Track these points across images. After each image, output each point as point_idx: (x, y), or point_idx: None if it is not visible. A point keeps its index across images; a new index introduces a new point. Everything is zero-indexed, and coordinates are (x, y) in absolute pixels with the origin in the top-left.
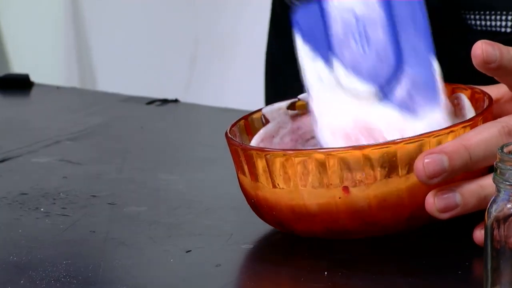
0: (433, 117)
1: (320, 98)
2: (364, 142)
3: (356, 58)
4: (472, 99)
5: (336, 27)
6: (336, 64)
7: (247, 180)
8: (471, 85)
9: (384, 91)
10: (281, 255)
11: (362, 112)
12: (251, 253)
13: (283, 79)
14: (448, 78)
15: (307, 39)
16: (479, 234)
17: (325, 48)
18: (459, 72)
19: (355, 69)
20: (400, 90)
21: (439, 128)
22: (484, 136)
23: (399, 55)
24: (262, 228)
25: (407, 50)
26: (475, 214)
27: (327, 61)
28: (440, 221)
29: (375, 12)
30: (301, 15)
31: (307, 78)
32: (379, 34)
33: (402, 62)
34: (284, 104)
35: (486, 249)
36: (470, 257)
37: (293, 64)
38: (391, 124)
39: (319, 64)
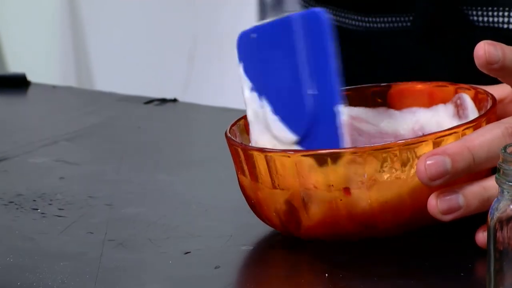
0: None
1: (255, 135)
2: None
3: (278, 98)
4: (475, 99)
5: (263, 61)
6: (265, 104)
7: (247, 180)
8: (474, 85)
9: (304, 138)
10: (281, 257)
11: None
12: (251, 255)
13: None
14: (451, 75)
15: (247, 69)
16: (481, 236)
17: (258, 82)
18: (462, 69)
19: (279, 112)
20: (315, 136)
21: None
22: (487, 137)
23: (312, 100)
24: (262, 229)
25: (317, 95)
26: (478, 215)
27: (260, 96)
28: (442, 222)
29: (285, 44)
30: (242, 41)
31: (247, 108)
32: (294, 71)
33: (316, 109)
34: None
35: (489, 251)
36: (473, 259)
37: None
38: None
39: (254, 97)
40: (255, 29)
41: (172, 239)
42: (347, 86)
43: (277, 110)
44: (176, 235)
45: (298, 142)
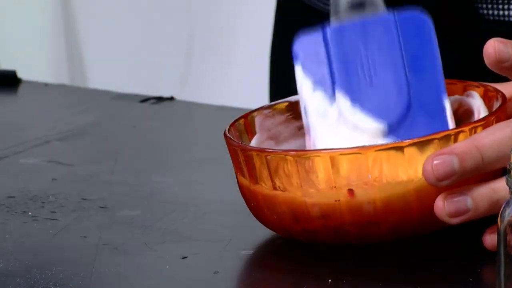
0: None
1: (320, 135)
2: None
3: (362, 91)
4: (484, 97)
5: (340, 56)
6: (340, 97)
7: (246, 182)
8: (484, 83)
9: (392, 128)
10: (282, 262)
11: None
12: (251, 259)
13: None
14: (458, 70)
15: (308, 70)
16: (489, 239)
17: (327, 80)
18: (472, 63)
19: (362, 104)
20: (407, 127)
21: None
22: (497, 136)
23: (408, 90)
24: (262, 233)
25: (416, 86)
26: (487, 217)
27: (329, 94)
28: (450, 226)
29: (383, 42)
30: (301, 44)
31: (307, 112)
32: (388, 65)
33: (411, 98)
34: (289, 100)
35: (499, 255)
36: (482, 264)
37: None
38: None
39: (320, 97)
40: (331, 29)
41: (169, 243)
42: None
43: (356, 101)
44: (173, 239)
45: (386, 132)
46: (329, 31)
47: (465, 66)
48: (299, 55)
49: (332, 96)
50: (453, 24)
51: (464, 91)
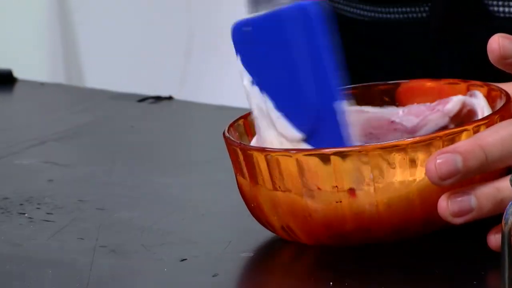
0: None
1: (261, 130)
2: None
3: (281, 94)
4: (488, 96)
5: (260, 54)
6: (267, 100)
7: (246, 182)
8: (488, 82)
9: (310, 135)
10: (283, 265)
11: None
12: (251, 262)
13: None
14: (465, 69)
15: (245, 61)
16: (493, 239)
17: (260, 76)
18: (479, 63)
19: (283, 108)
20: (322, 134)
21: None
22: (501, 135)
23: (315, 92)
24: (263, 235)
25: (318, 91)
26: (491, 218)
27: (262, 91)
28: (453, 226)
29: (280, 39)
30: (237, 33)
31: (250, 102)
32: (292, 67)
33: (320, 101)
34: None
35: (504, 257)
36: (486, 266)
37: None
38: None
39: (256, 91)
40: (248, 22)
41: (168, 246)
42: (353, 81)
43: (279, 107)
44: (172, 241)
45: (305, 140)
46: (248, 25)
47: (472, 66)
48: (237, 44)
49: (263, 94)
50: (463, 22)
51: (467, 90)
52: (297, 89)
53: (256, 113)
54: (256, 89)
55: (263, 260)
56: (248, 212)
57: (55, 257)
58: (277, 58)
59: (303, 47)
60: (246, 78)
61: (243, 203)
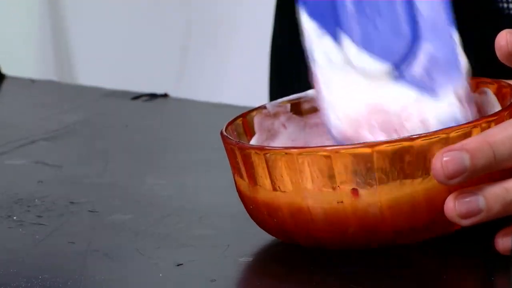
0: (454, 97)
1: (329, 81)
2: (377, 130)
3: (367, 32)
4: (498, 94)
5: None
6: (346, 40)
7: (244, 183)
8: (498, 79)
9: (400, 69)
10: (283, 269)
11: (376, 94)
12: (250, 266)
13: (289, 74)
14: (474, 67)
15: (313, 14)
16: (501, 242)
17: (333, 23)
18: (487, 60)
19: (367, 45)
20: (417, 68)
21: (461, 121)
22: (510, 132)
23: (414, 27)
24: (262, 238)
25: (423, 22)
26: (498, 219)
27: (336, 38)
28: (461, 229)
29: None
30: None
31: (314, 58)
32: (392, 4)
33: (418, 35)
34: (290, 98)
35: None
36: (495, 271)
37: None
38: (409, 106)
39: (327, 41)
40: None
41: (163, 250)
42: None
43: (362, 44)
44: (167, 245)
45: (393, 72)
46: None
47: (480, 64)
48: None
49: (339, 39)
50: (471, 19)
51: (477, 88)
52: (393, 19)
53: (321, 63)
54: (325, 37)
55: (263, 264)
56: (247, 214)
57: (45, 262)
58: None
59: None
60: (312, 30)
61: (242, 205)
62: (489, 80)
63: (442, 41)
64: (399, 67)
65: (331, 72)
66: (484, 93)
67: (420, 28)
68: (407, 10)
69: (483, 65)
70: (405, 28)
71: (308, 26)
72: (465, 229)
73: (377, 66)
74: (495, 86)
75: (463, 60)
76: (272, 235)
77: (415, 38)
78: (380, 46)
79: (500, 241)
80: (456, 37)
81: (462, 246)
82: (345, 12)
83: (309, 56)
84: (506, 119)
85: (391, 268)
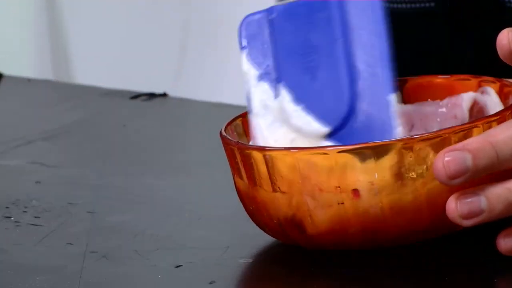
0: None
1: (262, 127)
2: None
3: (306, 86)
4: (500, 93)
5: (284, 44)
6: (283, 92)
7: (244, 184)
8: (501, 78)
9: (337, 131)
10: (284, 271)
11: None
12: (250, 268)
13: None
14: (477, 64)
15: (253, 57)
16: (503, 242)
17: (272, 70)
18: (490, 56)
19: (306, 102)
20: (351, 129)
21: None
22: None
23: (354, 87)
24: (262, 240)
25: (363, 80)
26: (502, 219)
27: (273, 86)
28: (463, 230)
29: (327, 27)
30: (247, 26)
31: (250, 104)
32: (333, 56)
33: (357, 96)
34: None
35: None
36: (499, 272)
37: None
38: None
39: (264, 88)
40: (273, 10)
41: (162, 251)
42: None
43: (300, 100)
44: (166, 246)
45: (330, 135)
46: (274, 12)
47: (483, 61)
48: (244, 39)
49: (276, 88)
50: (472, 13)
51: (478, 87)
52: (332, 80)
53: (257, 111)
54: (264, 84)
55: (263, 266)
56: (247, 215)
57: (43, 264)
58: (309, 46)
59: (354, 34)
60: (252, 73)
61: (242, 206)
62: (491, 78)
63: (377, 105)
64: (338, 130)
65: (265, 121)
66: (487, 92)
67: (359, 86)
68: (345, 60)
69: (487, 62)
70: (344, 86)
71: (248, 68)
72: (467, 229)
73: (316, 128)
74: (498, 85)
75: (395, 123)
76: (272, 236)
77: (353, 99)
78: (319, 106)
79: (502, 241)
80: (392, 97)
81: (464, 247)
82: (286, 63)
83: (247, 101)
84: (509, 119)
85: (392, 269)
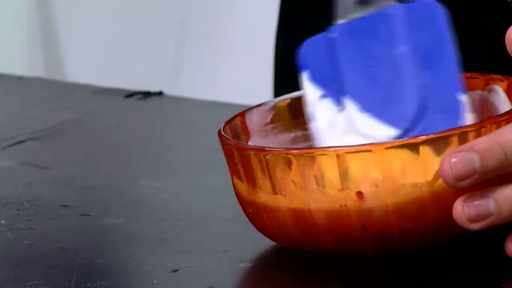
0: None
1: (331, 141)
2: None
3: (373, 95)
4: (509, 91)
5: (348, 59)
6: (349, 103)
7: (243, 186)
8: (508, 76)
9: (406, 132)
10: (284, 276)
11: None
12: (249, 273)
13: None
14: (482, 64)
15: (315, 76)
16: (511, 246)
17: (335, 86)
18: (495, 57)
19: (373, 110)
20: (422, 131)
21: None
22: None
23: (422, 90)
24: (262, 243)
25: (431, 85)
26: (511, 223)
27: (337, 101)
28: (470, 233)
29: (392, 37)
30: (307, 49)
31: (316, 122)
32: (398, 64)
33: (426, 99)
34: (292, 96)
35: None
36: (507, 276)
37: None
38: None
39: (328, 104)
40: (335, 29)
41: (158, 255)
42: None
43: (367, 108)
44: (162, 250)
45: (400, 138)
46: (335, 31)
47: (488, 61)
48: (305, 61)
49: (341, 103)
50: (476, 14)
51: (486, 85)
52: (400, 85)
53: (323, 127)
54: (327, 101)
55: (262, 271)
56: (246, 218)
57: (35, 267)
58: (373, 56)
59: (421, 43)
60: (313, 93)
61: (241, 208)
62: (499, 76)
63: (448, 103)
64: (407, 131)
65: (331, 136)
66: (494, 91)
67: (428, 91)
68: (413, 70)
69: (489, 65)
70: (412, 91)
71: (309, 89)
72: (474, 233)
73: (386, 132)
74: (506, 83)
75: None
76: (272, 240)
77: (423, 102)
78: (387, 111)
79: (510, 245)
80: (462, 101)
81: (471, 251)
82: (351, 76)
83: (310, 117)
84: None
85: (396, 274)
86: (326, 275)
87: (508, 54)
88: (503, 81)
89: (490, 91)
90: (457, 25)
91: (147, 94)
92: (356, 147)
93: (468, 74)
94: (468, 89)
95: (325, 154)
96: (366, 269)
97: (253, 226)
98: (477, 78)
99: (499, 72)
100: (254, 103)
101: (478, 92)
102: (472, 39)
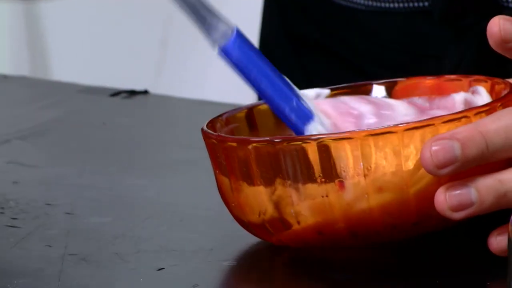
0: None
1: None
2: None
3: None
4: (492, 91)
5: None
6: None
7: (225, 180)
8: (492, 77)
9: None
10: (269, 275)
11: None
12: (234, 271)
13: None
14: (472, 64)
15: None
16: (495, 242)
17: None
18: (485, 56)
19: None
20: None
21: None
22: (504, 122)
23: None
24: (247, 242)
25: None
26: (494, 218)
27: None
28: (453, 225)
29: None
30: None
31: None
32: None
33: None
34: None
35: (509, 266)
36: (493, 275)
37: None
38: None
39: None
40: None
41: (143, 254)
42: (350, 77)
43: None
44: (148, 249)
45: None
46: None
47: (478, 61)
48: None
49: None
50: (467, 12)
51: (469, 86)
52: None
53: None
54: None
55: (248, 269)
56: (231, 217)
57: (20, 267)
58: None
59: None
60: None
61: (225, 207)
62: (482, 77)
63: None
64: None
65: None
66: (477, 92)
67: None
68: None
69: (479, 65)
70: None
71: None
72: (456, 229)
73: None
74: (489, 83)
75: None
76: (256, 236)
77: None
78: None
79: (494, 241)
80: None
81: (454, 248)
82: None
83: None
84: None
85: (379, 273)
86: (312, 274)
87: (498, 54)
88: (486, 81)
89: (473, 92)
90: (446, 23)
91: (132, 93)
92: (336, 134)
93: (452, 76)
94: (452, 90)
95: (308, 142)
96: (348, 266)
97: (238, 225)
98: (460, 80)
99: (491, 74)
100: (239, 102)
101: (462, 94)
102: (469, 40)
